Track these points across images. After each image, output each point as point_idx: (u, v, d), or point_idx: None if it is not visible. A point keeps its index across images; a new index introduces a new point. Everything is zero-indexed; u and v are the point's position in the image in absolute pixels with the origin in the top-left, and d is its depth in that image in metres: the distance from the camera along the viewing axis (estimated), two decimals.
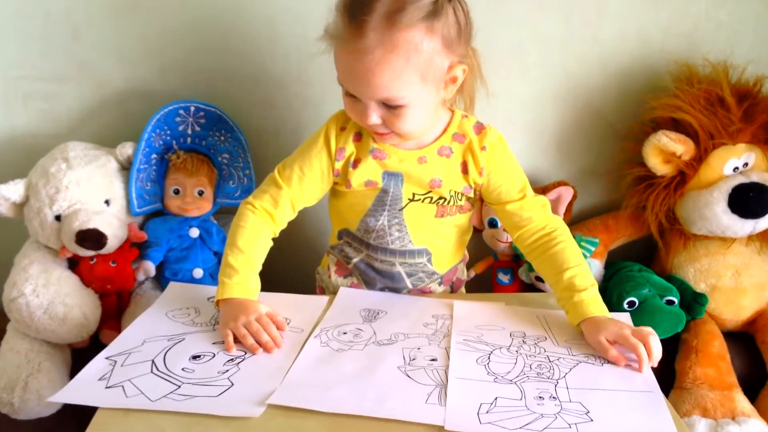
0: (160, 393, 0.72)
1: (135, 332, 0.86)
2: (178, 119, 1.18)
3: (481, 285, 1.32)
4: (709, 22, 1.23)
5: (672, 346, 1.15)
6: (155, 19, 1.19)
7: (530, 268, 1.25)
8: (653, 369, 0.78)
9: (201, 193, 1.18)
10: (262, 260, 0.93)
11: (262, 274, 0.92)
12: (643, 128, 1.23)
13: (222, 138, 1.21)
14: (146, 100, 1.22)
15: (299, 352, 0.81)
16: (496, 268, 1.32)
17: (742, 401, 1.05)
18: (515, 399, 0.72)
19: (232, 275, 0.88)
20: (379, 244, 0.98)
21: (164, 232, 1.17)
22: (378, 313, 0.93)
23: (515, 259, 1.31)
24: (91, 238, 1.06)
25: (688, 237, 1.23)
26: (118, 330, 1.08)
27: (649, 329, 0.82)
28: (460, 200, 0.97)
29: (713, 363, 1.09)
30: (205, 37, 1.21)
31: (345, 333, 0.86)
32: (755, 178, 1.15)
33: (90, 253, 1.09)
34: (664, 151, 1.16)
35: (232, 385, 0.74)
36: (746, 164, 1.18)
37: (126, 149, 1.16)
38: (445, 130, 0.94)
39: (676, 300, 1.15)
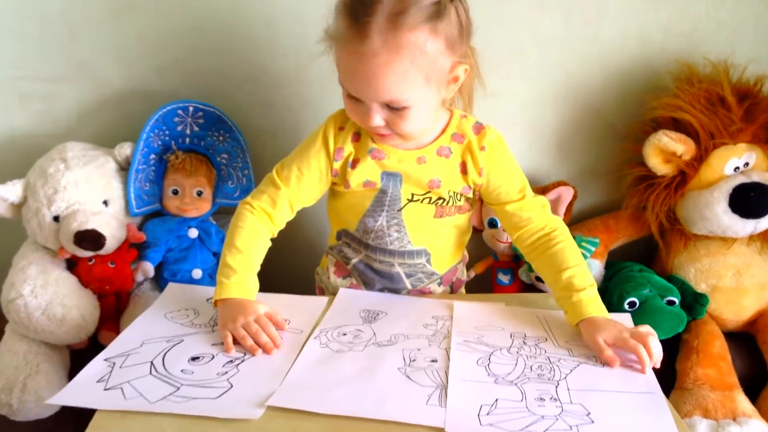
0: (159, 395, 0.72)
1: (134, 333, 0.85)
2: (176, 119, 1.18)
3: (481, 285, 1.32)
4: (709, 21, 1.23)
5: (673, 347, 1.15)
6: (153, 19, 1.18)
7: (530, 269, 1.25)
8: (654, 369, 0.78)
9: (200, 194, 1.17)
10: (261, 260, 0.93)
11: (261, 275, 0.92)
12: (644, 128, 1.23)
13: (221, 138, 1.21)
14: (145, 100, 1.22)
15: (299, 354, 0.81)
16: (496, 269, 1.32)
17: (743, 402, 1.05)
18: (516, 400, 0.71)
19: (230, 275, 0.88)
20: (377, 244, 0.98)
21: (163, 232, 1.17)
22: (378, 314, 0.92)
23: (515, 260, 1.30)
24: (90, 238, 1.06)
25: (689, 237, 1.23)
26: (117, 331, 1.07)
27: (647, 329, 0.82)
28: (459, 201, 0.96)
29: (714, 363, 1.09)
30: (203, 36, 1.20)
31: (345, 334, 0.86)
32: (756, 177, 1.15)
33: (88, 253, 1.09)
34: (664, 150, 1.16)
35: (232, 386, 0.74)
36: (747, 164, 1.18)
37: (124, 149, 1.15)
38: (444, 130, 0.94)
39: (676, 300, 1.15)
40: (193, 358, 0.79)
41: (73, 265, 1.12)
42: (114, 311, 1.14)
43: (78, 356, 1.09)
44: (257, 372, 0.77)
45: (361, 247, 1.00)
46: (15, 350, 1.03)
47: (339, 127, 0.94)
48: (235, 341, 0.82)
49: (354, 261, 1.02)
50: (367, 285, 1.03)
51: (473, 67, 0.91)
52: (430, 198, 0.95)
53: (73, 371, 1.05)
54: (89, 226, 1.06)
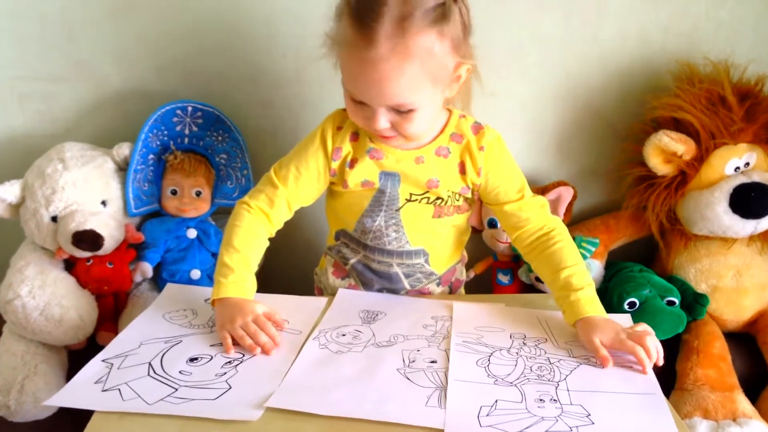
0: (157, 396, 0.71)
1: (132, 334, 0.85)
2: (175, 119, 1.18)
3: (480, 286, 1.32)
4: (709, 21, 1.23)
5: (673, 347, 1.15)
6: (152, 19, 1.18)
7: (530, 269, 1.24)
8: (656, 367, 0.78)
9: (198, 194, 1.17)
10: (259, 260, 0.93)
11: (260, 276, 0.92)
12: (644, 128, 1.22)
13: (220, 138, 1.21)
14: (143, 100, 1.22)
15: (297, 354, 0.80)
16: (496, 269, 1.31)
17: (743, 402, 1.05)
18: (516, 402, 0.71)
19: (227, 274, 0.87)
20: (376, 244, 0.98)
21: (161, 233, 1.17)
22: (377, 315, 0.92)
23: (515, 260, 1.30)
24: (88, 239, 1.05)
25: (689, 237, 1.23)
26: (115, 332, 1.07)
27: (644, 328, 0.82)
28: (458, 201, 0.96)
29: (714, 364, 1.09)
30: (203, 37, 1.20)
31: (344, 335, 0.86)
32: (757, 178, 1.14)
33: (86, 254, 1.08)
34: (664, 150, 1.16)
35: (230, 387, 0.73)
36: (747, 164, 1.18)
37: (123, 150, 1.15)
38: (442, 130, 0.94)
39: (677, 301, 1.15)
40: (192, 359, 0.79)
41: (71, 265, 1.12)
42: (112, 312, 1.13)
43: (76, 357, 1.08)
44: (256, 373, 0.76)
45: (360, 247, 1.00)
46: (13, 351, 1.03)
47: (337, 126, 0.94)
48: (235, 342, 0.81)
49: (352, 261, 1.02)
50: (366, 285, 1.03)
51: (472, 66, 0.91)
52: (429, 198, 0.94)
53: (71, 372, 1.05)
54: (87, 227, 1.05)
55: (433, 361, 0.79)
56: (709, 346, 1.11)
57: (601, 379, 0.76)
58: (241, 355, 0.80)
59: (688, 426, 1.01)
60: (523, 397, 0.72)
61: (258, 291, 0.91)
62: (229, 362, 0.78)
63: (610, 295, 1.16)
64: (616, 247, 1.31)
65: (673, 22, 1.23)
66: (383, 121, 0.84)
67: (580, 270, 0.90)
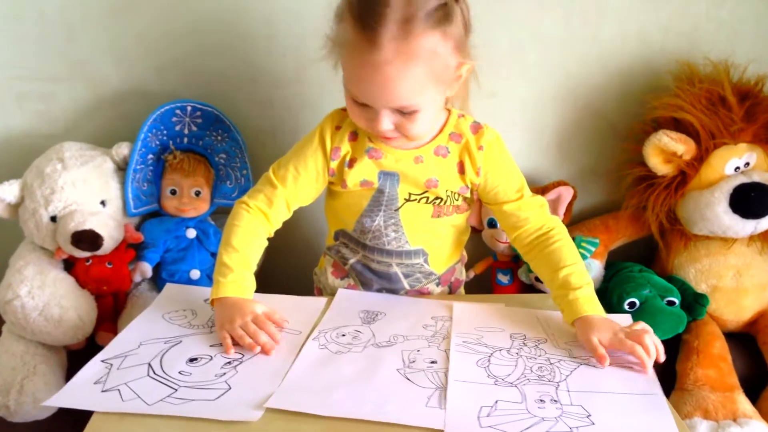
0: (157, 397, 0.71)
1: (131, 335, 0.85)
2: (174, 119, 1.17)
3: (480, 286, 1.31)
4: (709, 21, 1.23)
5: (673, 347, 1.15)
6: (152, 19, 1.18)
7: (530, 269, 1.24)
8: (657, 365, 0.78)
9: (198, 194, 1.17)
10: (258, 259, 0.93)
11: (259, 276, 0.92)
12: (644, 128, 1.22)
13: (219, 138, 1.21)
14: (142, 99, 1.22)
15: (297, 355, 0.80)
16: (496, 269, 1.31)
17: (743, 403, 1.05)
18: (516, 402, 0.71)
19: (226, 274, 0.87)
20: (375, 244, 0.98)
21: (161, 233, 1.16)
22: (377, 315, 0.92)
23: (515, 260, 1.30)
24: (87, 239, 1.05)
25: (689, 237, 1.23)
26: (115, 332, 1.07)
27: (642, 326, 0.81)
28: (457, 200, 0.96)
29: (714, 364, 1.09)
30: (202, 36, 1.20)
31: (344, 335, 0.85)
32: (757, 177, 1.14)
33: (86, 254, 1.08)
34: (664, 150, 1.16)
35: (230, 388, 0.73)
36: (747, 164, 1.17)
37: (122, 149, 1.15)
38: (441, 130, 0.94)
39: (677, 301, 1.15)
40: (191, 360, 0.79)
41: (70, 265, 1.12)
42: (111, 312, 1.13)
43: (75, 357, 1.08)
44: (256, 373, 0.76)
45: (359, 247, 1.00)
46: (12, 351, 1.03)
47: (336, 126, 0.94)
48: (234, 342, 0.81)
49: (352, 261, 1.01)
50: (365, 285, 1.02)
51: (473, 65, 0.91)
52: (428, 198, 0.94)
53: (70, 372, 1.05)
54: (87, 227, 1.05)
55: (433, 362, 0.79)
56: (710, 346, 1.11)
57: (602, 380, 0.76)
58: (241, 356, 0.80)
59: (689, 426, 1.01)
60: (523, 398, 0.72)
61: (257, 291, 0.90)
62: (229, 363, 0.78)
63: (610, 295, 1.16)
64: (616, 247, 1.31)
65: (673, 22, 1.23)
66: (386, 122, 0.83)
67: (579, 269, 0.90)
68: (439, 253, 1.01)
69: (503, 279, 1.30)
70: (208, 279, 1.17)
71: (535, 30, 1.22)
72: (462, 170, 0.94)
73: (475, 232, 1.30)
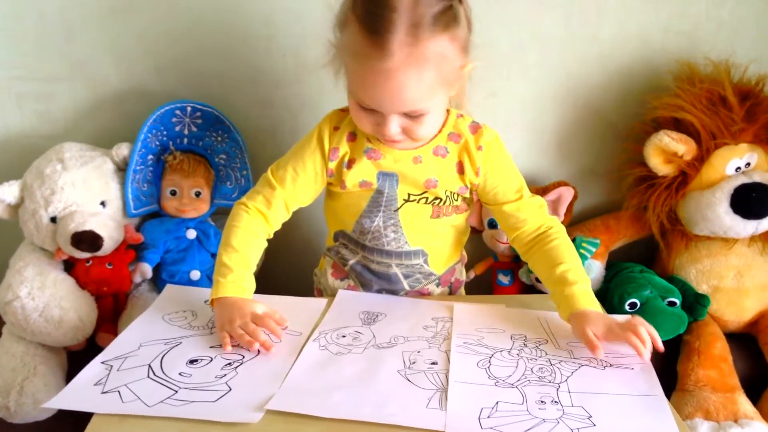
0: (157, 398, 0.71)
1: (131, 336, 0.85)
2: (174, 120, 1.17)
3: (480, 286, 1.31)
4: (710, 21, 1.23)
5: (674, 348, 1.15)
6: (151, 19, 1.18)
7: (530, 270, 1.24)
8: (656, 370, 0.77)
9: (198, 194, 1.17)
10: (257, 260, 0.93)
11: (259, 277, 0.92)
12: (645, 128, 1.22)
13: (219, 138, 1.20)
14: (142, 100, 1.21)
15: (297, 356, 0.80)
16: (496, 269, 1.31)
17: (744, 403, 1.05)
18: (517, 403, 0.71)
19: (226, 274, 0.87)
20: (374, 245, 0.97)
21: (161, 233, 1.16)
22: (377, 316, 0.92)
23: (515, 261, 1.30)
24: (87, 240, 1.05)
25: (690, 238, 1.23)
26: (115, 333, 1.07)
27: (638, 319, 0.81)
28: (456, 201, 0.96)
29: (715, 365, 1.09)
30: (202, 37, 1.20)
31: (344, 336, 0.85)
32: (758, 178, 1.14)
33: (86, 255, 1.08)
34: (665, 151, 1.15)
35: (230, 389, 0.73)
36: (748, 164, 1.17)
37: (122, 150, 1.15)
38: (440, 130, 0.93)
39: (677, 301, 1.15)
40: (192, 361, 0.78)
41: (70, 266, 1.11)
42: (112, 313, 1.13)
43: (75, 358, 1.08)
44: (256, 375, 0.76)
45: (358, 248, 1.00)
46: (12, 352, 1.02)
47: (334, 127, 0.94)
48: (236, 344, 0.81)
49: (351, 262, 1.01)
50: (365, 286, 1.02)
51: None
52: (427, 198, 0.94)
53: (70, 373, 1.05)
54: (87, 227, 1.05)
55: (433, 363, 0.79)
56: (711, 346, 1.11)
57: (603, 381, 0.76)
58: (242, 357, 0.80)
59: (690, 427, 1.01)
60: (524, 399, 0.72)
61: (257, 292, 0.90)
62: (229, 364, 0.78)
63: (610, 295, 1.16)
64: (616, 248, 1.31)
65: (673, 21, 1.23)
66: (394, 127, 0.83)
67: (576, 266, 0.90)
68: (438, 254, 1.01)
69: (504, 280, 1.30)
70: (208, 280, 1.17)
71: (535, 30, 1.22)
72: (461, 170, 0.94)
73: (476, 232, 1.30)
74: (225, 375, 0.76)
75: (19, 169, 1.13)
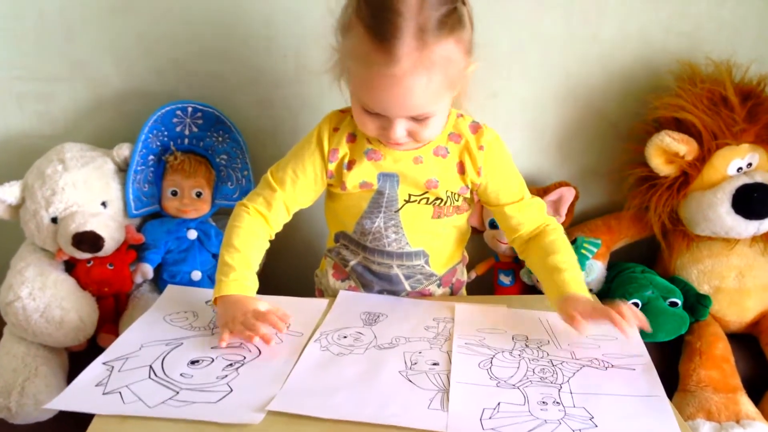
0: (158, 399, 0.71)
1: (132, 337, 0.85)
2: (175, 120, 1.17)
3: (482, 287, 1.31)
4: (711, 20, 1.22)
5: (675, 349, 1.15)
6: (152, 19, 1.18)
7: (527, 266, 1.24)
8: (657, 371, 0.77)
9: (199, 195, 1.17)
10: (259, 260, 0.93)
11: (260, 277, 0.91)
12: (646, 128, 1.22)
13: (220, 139, 1.20)
14: (143, 100, 1.21)
15: (299, 357, 0.80)
16: (498, 270, 1.31)
17: (746, 404, 1.04)
18: (518, 404, 0.71)
19: (228, 273, 0.87)
20: (375, 246, 0.97)
21: (162, 234, 1.16)
22: (378, 317, 0.92)
23: (516, 261, 1.30)
24: (88, 240, 1.05)
25: (692, 238, 1.22)
26: (116, 333, 1.07)
27: (623, 302, 0.83)
28: (457, 201, 0.96)
29: (717, 365, 1.08)
30: (203, 37, 1.20)
31: (345, 337, 0.85)
32: (759, 178, 1.14)
33: (87, 255, 1.08)
34: (666, 151, 1.15)
35: (232, 390, 0.73)
36: (750, 164, 1.17)
37: (123, 150, 1.15)
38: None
39: (679, 302, 1.15)
40: (193, 362, 0.78)
41: (71, 267, 1.11)
42: (113, 313, 1.13)
43: (77, 359, 1.08)
44: (257, 376, 0.76)
45: (359, 249, 1.00)
46: (13, 353, 1.02)
47: (334, 128, 0.93)
48: (235, 344, 0.81)
49: (352, 263, 1.01)
50: (366, 287, 1.02)
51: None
52: (428, 198, 0.94)
53: (71, 374, 1.05)
54: (88, 228, 1.05)
55: (435, 363, 0.79)
56: (712, 347, 1.11)
57: (604, 382, 0.75)
58: (243, 358, 0.80)
59: (691, 428, 1.01)
60: (525, 400, 0.72)
61: (258, 293, 0.90)
62: (231, 365, 0.78)
63: (612, 296, 1.16)
64: (618, 248, 1.30)
65: (674, 21, 1.22)
66: (401, 130, 0.83)
67: (570, 258, 0.91)
68: (439, 254, 1.01)
69: (505, 280, 1.30)
70: (209, 280, 1.17)
71: (535, 30, 1.21)
72: (462, 170, 0.93)
73: (477, 233, 1.30)
74: (226, 376, 0.76)
75: (19, 169, 1.13)
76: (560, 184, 1.27)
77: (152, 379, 0.75)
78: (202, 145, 1.20)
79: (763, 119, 1.14)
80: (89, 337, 1.07)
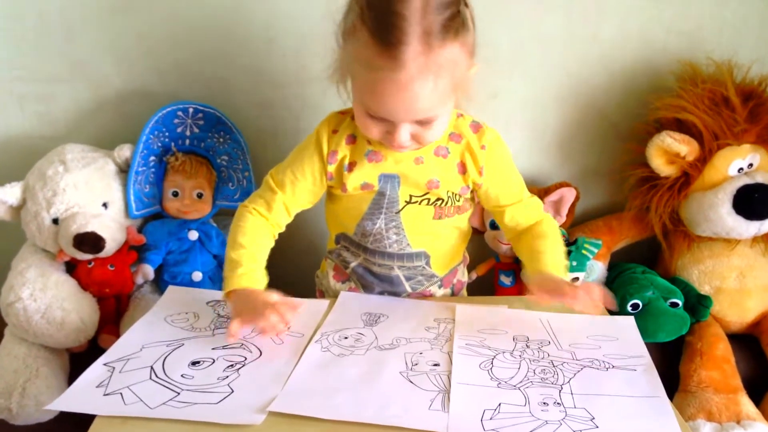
0: (159, 400, 0.71)
1: (133, 338, 0.85)
2: (176, 121, 1.17)
3: (482, 287, 1.31)
4: (712, 21, 1.22)
5: (676, 349, 1.15)
6: (152, 20, 1.18)
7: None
8: (658, 372, 0.77)
9: (200, 196, 1.17)
10: (265, 258, 0.93)
11: None
12: (647, 129, 1.22)
13: (221, 140, 1.20)
14: (144, 101, 1.21)
15: (300, 358, 0.80)
16: (498, 270, 1.31)
17: (747, 405, 1.04)
18: (519, 405, 0.71)
19: (236, 268, 0.87)
20: (376, 247, 0.97)
21: (163, 235, 1.16)
22: (379, 317, 0.92)
23: (517, 261, 1.30)
24: (89, 241, 1.05)
25: (692, 238, 1.22)
26: (117, 334, 1.07)
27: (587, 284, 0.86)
28: (458, 201, 0.96)
29: (718, 366, 1.08)
30: (203, 38, 1.20)
31: (346, 338, 0.85)
32: (760, 179, 1.14)
33: (88, 256, 1.08)
34: (668, 151, 1.15)
35: (233, 391, 0.73)
36: (751, 165, 1.17)
37: (124, 151, 1.15)
38: None
39: (680, 302, 1.15)
40: (194, 363, 0.78)
41: (72, 268, 1.12)
42: (114, 314, 1.13)
43: (78, 360, 1.08)
44: (258, 377, 0.76)
45: (360, 250, 1.00)
46: (14, 354, 1.02)
47: (333, 130, 0.93)
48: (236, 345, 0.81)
49: (353, 265, 1.01)
50: (366, 289, 1.02)
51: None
52: (429, 199, 0.94)
53: (72, 375, 1.05)
54: (89, 229, 1.05)
55: (435, 364, 0.79)
56: (713, 347, 1.11)
57: (605, 383, 0.75)
58: (244, 359, 0.80)
59: (692, 428, 1.01)
60: (526, 401, 0.72)
61: None
62: (231, 365, 0.78)
63: (613, 296, 1.16)
64: (618, 249, 1.30)
65: (675, 21, 1.22)
66: (405, 134, 0.82)
67: (554, 244, 0.93)
68: (440, 255, 1.01)
69: (506, 280, 1.30)
70: (210, 281, 1.17)
71: (535, 30, 1.21)
72: (463, 170, 0.93)
73: (478, 233, 1.30)
74: (227, 377, 0.76)
75: (20, 170, 1.13)
76: (561, 185, 1.27)
77: (153, 380, 0.75)
78: (203, 145, 1.20)
79: (765, 120, 1.14)
80: (90, 338, 1.07)
